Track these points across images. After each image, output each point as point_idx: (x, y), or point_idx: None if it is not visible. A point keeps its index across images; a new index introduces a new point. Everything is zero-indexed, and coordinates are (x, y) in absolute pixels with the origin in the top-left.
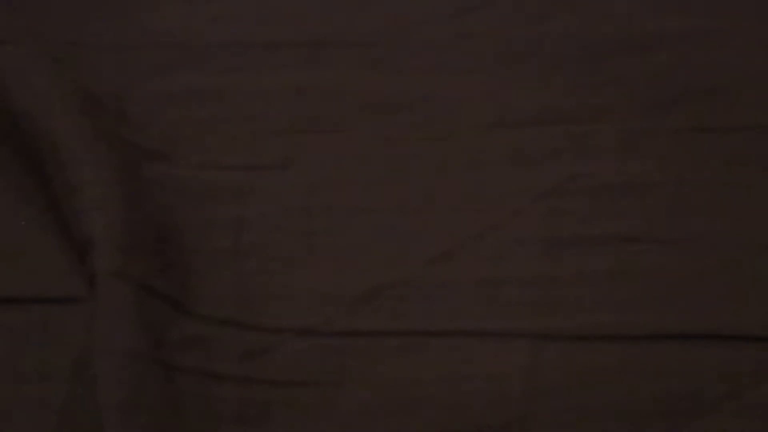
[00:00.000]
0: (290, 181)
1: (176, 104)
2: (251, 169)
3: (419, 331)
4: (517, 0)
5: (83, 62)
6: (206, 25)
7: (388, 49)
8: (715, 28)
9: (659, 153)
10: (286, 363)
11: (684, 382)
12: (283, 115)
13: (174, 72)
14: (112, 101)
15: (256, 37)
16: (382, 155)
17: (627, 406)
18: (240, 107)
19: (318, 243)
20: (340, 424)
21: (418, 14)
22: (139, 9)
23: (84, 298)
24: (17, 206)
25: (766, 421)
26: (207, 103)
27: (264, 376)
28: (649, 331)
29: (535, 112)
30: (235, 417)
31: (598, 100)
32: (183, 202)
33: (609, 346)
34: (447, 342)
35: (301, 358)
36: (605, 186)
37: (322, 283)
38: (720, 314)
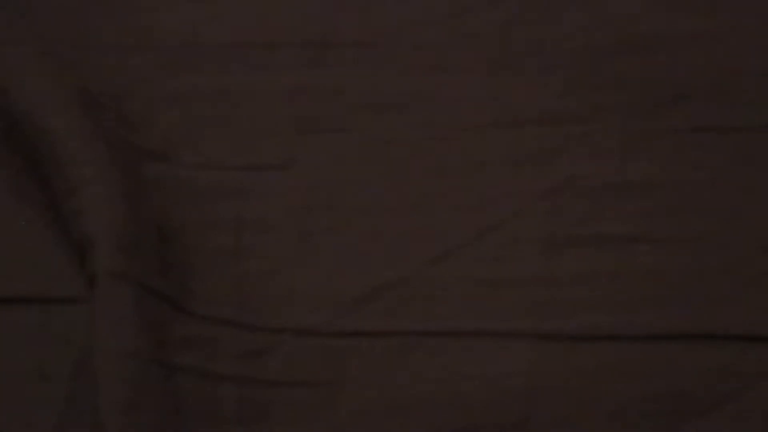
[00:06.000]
0: (290, 181)
1: (176, 104)
2: (251, 169)
3: (419, 331)
4: (517, 0)
5: (83, 62)
6: (206, 25)
7: (388, 49)
8: (715, 28)
9: (659, 153)
10: (286, 363)
11: (684, 382)
12: (283, 115)
13: (174, 72)
14: (112, 101)
15: (256, 37)
16: (382, 155)
17: (627, 406)
18: (240, 107)
19: (318, 243)
20: (340, 424)
21: (419, 14)
22: (139, 9)
23: (84, 298)
24: (17, 206)
25: (766, 421)
26: (207, 103)
27: (264, 376)
28: (649, 331)
29: (535, 112)
30: (235, 417)
31: (598, 100)
32: (183, 202)
33: (609, 346)
34: (447, 342)
35: (301, 358)
36: (605, 186)
37: (322, 283)
38: (720, 314)
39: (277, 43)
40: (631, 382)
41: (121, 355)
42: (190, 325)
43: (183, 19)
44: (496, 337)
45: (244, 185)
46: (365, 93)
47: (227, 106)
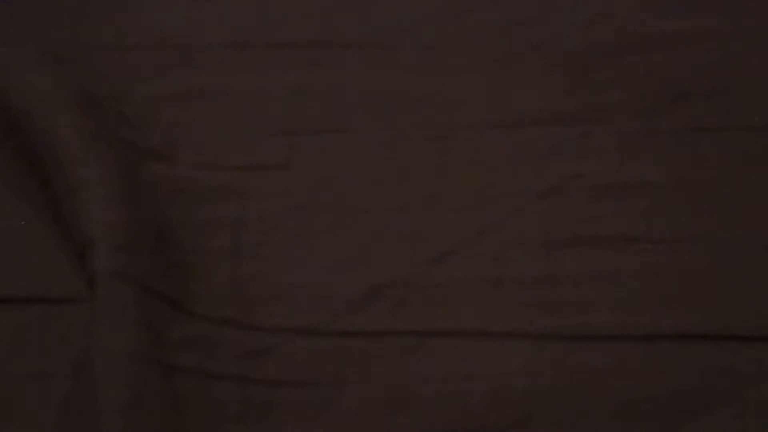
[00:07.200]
0: (290, 181)
1: (176, 104)
2: (251, 169)
3: (419, 331)
4: (517, 0)
5: (83, 62)
6: (206, 25)
7: (388, 49)
8: (715, 28)
9: (659, 153)
10: (286, 363)
11: (684, 382)
12: (283, 115)
13: (174, 72)
14: (112, 101)
15: (256, 37)
16: (382, 155)
17: (627, 406)
18: (240, 107)
19: (318, 243)
20: (340, 424)
21: (418, 14)
22: (139, 9)
23: (84, 298)
24: (17, 206)
25: (766, 421)
26: (207, 103)
27: (264, 376)
28: (649, 331)
29: (535, 112)
30: (235, 417)
31: (598, 100)
32: (183, 202)
33: (609, 346)
34: (447, 342)
35: (301, 358)
36: (605, 186)
37: (322, 283)
38: (720, 314)
39: (277, 43)
40: (631, 382)
41: (121, 355)
42: (190, 325)
43: (183, 19)
44: (496, 337)
45: (244, 185)
46: (365, 93)
47: (227, 106)
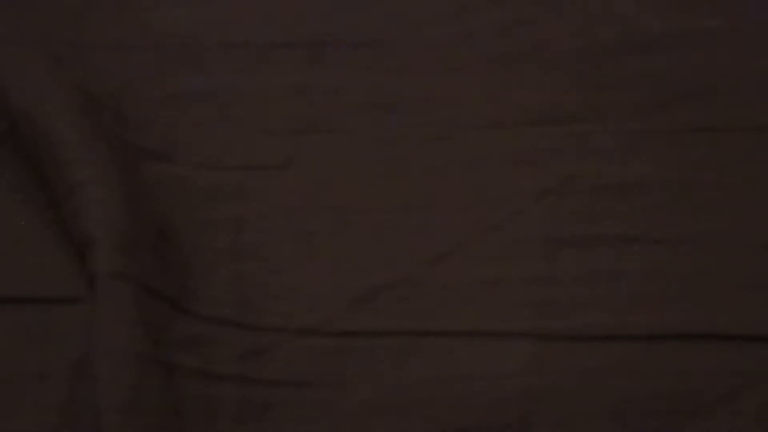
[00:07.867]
0: (290, 181)
1: (176, 104)
2: (251, 169)
3: (419, 331)
4: (517, 0)
5: (83, 62)
6: (206, 25)
7: (388, 49)
8: (715, 28)
9: (659, 153)
10: (286, 363)
11: (684, 382)
12: (283, 115)
13: (174, 72)
14: (112, 101)
15: (256, 37)
16: (382, 155)
17: (626, 406)
18: (240, 107)
19: (318, 243)
20: (340, 424)
21: (419, 14)
22: (139, 9)
23: (84, 298)
24: (17, 206)
25: (766, 421)
26: (207, 103)
27: (264, 376)
28: (649, 331)
29: (535, 112)
30: (235, 417)
31: (598, 100)
32: (183, 202)
33: (609, 346)
34: (447, 342)
35: (301, 358)
36: (605, 186)
37: (322, 283)
38: (720, 314)
39: (277, 43)
40: (631, 382)
41: (121, 355)
42: (190, 325)
43: (183, 19)
44: (496, 337)
45: (244, 185)
46: (365, 93)
47: (227, 106)
